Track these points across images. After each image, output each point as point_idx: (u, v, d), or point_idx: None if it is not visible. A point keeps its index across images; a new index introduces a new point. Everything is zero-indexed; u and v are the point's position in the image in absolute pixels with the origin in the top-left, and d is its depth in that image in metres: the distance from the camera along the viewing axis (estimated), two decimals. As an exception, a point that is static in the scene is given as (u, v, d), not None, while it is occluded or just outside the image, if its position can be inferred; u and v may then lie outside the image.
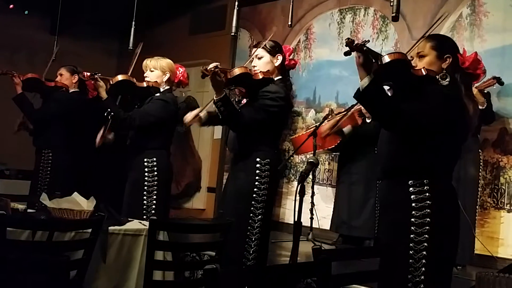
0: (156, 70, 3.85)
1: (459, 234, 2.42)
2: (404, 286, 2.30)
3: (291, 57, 3.43)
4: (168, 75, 3.87)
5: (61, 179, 4.73)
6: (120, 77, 3.77)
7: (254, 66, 3.27)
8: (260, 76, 3.17)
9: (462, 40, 4.93)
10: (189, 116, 3.34)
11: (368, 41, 2.30)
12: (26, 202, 3.30)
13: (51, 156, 4.80)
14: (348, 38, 2.24)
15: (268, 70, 3.24)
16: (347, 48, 2.24)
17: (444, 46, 2.47)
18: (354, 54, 2.27)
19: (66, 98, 4.88)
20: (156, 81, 3.84)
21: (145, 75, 3.88)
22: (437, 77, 2.42)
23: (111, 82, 3.76)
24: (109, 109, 3.66)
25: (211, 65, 2.97)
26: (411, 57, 2.50)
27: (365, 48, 2.24)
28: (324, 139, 4.83)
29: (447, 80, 2.42)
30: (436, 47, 2.45)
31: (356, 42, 2.24)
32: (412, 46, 2.49)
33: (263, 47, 3.26)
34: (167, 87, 3.88)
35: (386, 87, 2.42)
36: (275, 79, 3.26)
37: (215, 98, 3.05)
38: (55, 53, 5.11)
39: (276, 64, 3.28)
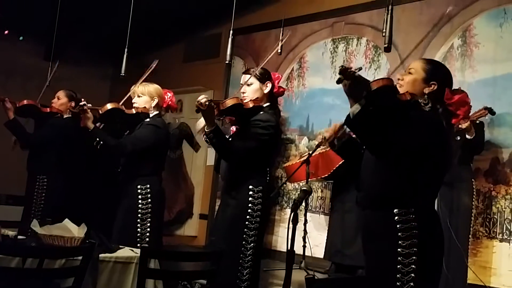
0: (144, 95, 3.84)
1: (443, 260, 2.40)
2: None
3: (280, 84, 3.47)
4: (156, 100, 3.86)
5: (55, 204, 4.68)
6: (109, 106, 3.74)
7: (243, 93, 3.30)
8: (251, 105, 3.19)
9: (453, 70, 4.98)
10: (200, 124, 3.33)
11: (361, 68, 2.31)
12: (17, 229, 3.27)
13: (45, 182, 4.75)
14: (342, 66, 2.24)
15: (257, 97, 3.26)
16: (340, 76, 2.23)
17: (435, 72, 2.45)
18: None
19: (61, 124, 4.86)
20: (145, 107, 3.84)
21: (133, 101, 3.86)
22: (420, 101, 2.42)
23: (100, 112, 3.73)
24: (97, 139, 3.62)
25: (204, 99, 2.98)
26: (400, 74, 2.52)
27: (356, 75, 2.25)
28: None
29: (428, 105, 2.41)
30: (426, 70, 2.44)
31: (349, 69, 2.23)
32: (395, 69, 2.52)
33: (253, 75, 3.29)
34: (156, 112, 3.87)
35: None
36: (264, 105, 3.28)
37: (206, 130, 3.07)
38: (49, 78, 5.11)
39: (265, 91, 3.31)
